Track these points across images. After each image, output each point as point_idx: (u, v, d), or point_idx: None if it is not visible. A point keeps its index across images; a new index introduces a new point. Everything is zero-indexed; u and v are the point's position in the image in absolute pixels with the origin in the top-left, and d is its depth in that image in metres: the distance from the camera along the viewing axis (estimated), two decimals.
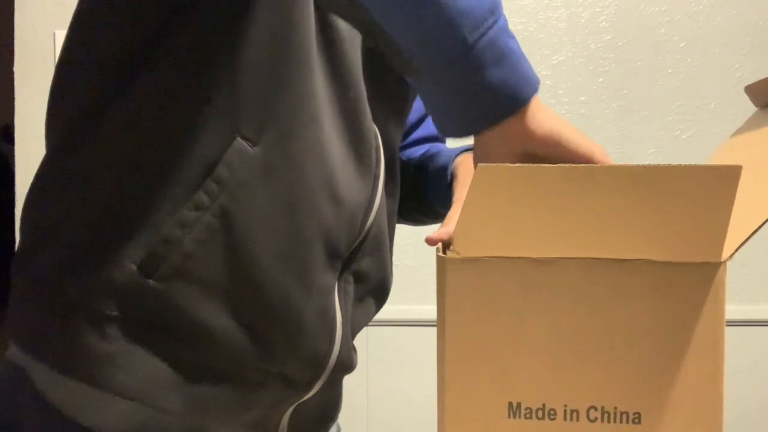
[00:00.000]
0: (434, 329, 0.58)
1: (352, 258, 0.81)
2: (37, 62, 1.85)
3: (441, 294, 0.57)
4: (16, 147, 1.88)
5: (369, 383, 1.74)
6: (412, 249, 1.55)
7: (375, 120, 0.82)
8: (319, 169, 0.75)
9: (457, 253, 0.56)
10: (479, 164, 0.52)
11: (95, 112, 0.74)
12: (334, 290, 0.79)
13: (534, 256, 0.55)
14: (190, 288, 0.73)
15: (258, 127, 0.73)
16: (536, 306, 0.56)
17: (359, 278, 0.83)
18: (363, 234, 0.81)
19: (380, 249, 0.85)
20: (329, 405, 0.89)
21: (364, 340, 1.63)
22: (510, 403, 0.57)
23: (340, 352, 0.80)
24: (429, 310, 1.66)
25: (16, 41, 1.86)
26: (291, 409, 0.82)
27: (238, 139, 0.72)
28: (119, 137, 0.73)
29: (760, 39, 1.78)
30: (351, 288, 0.82)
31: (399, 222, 0.99)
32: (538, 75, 1.77)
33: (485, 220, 0.55)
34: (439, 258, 0.57)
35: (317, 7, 0.75)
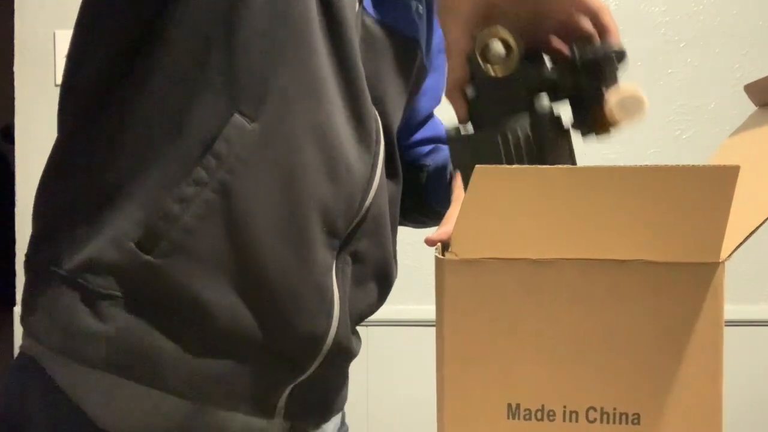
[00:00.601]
0: (434, 329, 0.58)
1: (351, 237, 0.81)
2: (37, 62, 1.85)
3: (439, 295, 0.57)
4: (16, 147, 1.88)
5: (369, 383, 1.74)
6: (412, 249, 1.55)
7: (376, 104, 0.83)
8: (317, 146, 0.76)
9: (456, 255, 0.56)
10: (476, 165, 0.52)
11: (101, 97, 0.76)
12: (332, 269, 0.79)
13: (532, 257, 0.55)
14: (189, 264, 0.73)
15: (256, 103, 0.73)
16: (535, 307, 0.56)
17: (357, 259, 0.83)
18: (362, 213, 0.81)
19: (380, 231, 0.85)
20: (330, 391, 0.88)
21: (364, 339, 1.63)
22: (509, 404, 0.57)
23: (337, 332, 0.80)
24: (429, 310, 1.65)
25: (16, 41, 1.86)
26: (288, 390, 0.82)
27: (236, 115, 0.73)
28: (121, 119, 0.75)
29: (760, 39, 1.78)
30: (349, 269, 0.82)
31: (401, 224, 0.99)
32: None
33: (483, 222, 0.55)
34: (437, 259, 0.57)
35: None
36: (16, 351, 1.70)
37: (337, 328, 0.80)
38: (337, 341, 0.80)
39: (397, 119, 0.88)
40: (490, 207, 0.54)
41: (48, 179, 0.80)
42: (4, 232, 2.14)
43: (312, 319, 0.78)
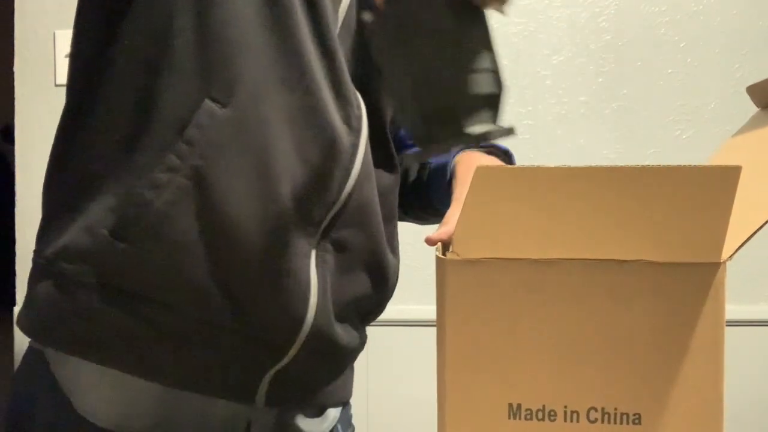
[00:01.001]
0: (434, 329, 0.58)
1: (331, 226, 0.81)
2: (37, 62, 1.84)
3: (441, 295, 0.57)
4: (16, 147, 1.88)
5: (369, 383, 1.74)
6: (412, 249, 1.55)
7: (364, 92, 0.82)
8: (292, 132, 0.76)
9: (457, 255, 0.56)
10: (478, 165, 0.52)
11: (84, 89, 0.78)
12: (309, 255, 0.79)
13: (534, 257, 0.55)
14: (163, 250, 0.74)
15: (227, 89, 0.74)
16: (536, 307, 0.56)
17: (340, 248, 0.83)
18: (342, 201, 0.81)
19: (367, 220, 0.84)
20: (314, 380, 0.87)
21: None
22: (510, 404, 0.57)
23: (316, 317, 0.80)
24: (429, 310, 1.65)
25: (16, 41, 1.86)
26: (269, 377, 0.82)
27: (207, 101, 0.73)
28: (98, 109, 0.77)
29: (760, 39, 1.78)
30: (331, 257, 0.82)
31: (403, 219, 0.98)
32: (538, 75, 1.77)
33: (485, 222, 0.55)
34: (438, 259, 0.57)
35: None
36: (17, 351, 1.69)
37: (316, 313, 0.80)
38: (316, 327, 0.80)
39: (387, 106, 0.88)
40: (491, 207, 0.54)
41: (47, 174, 0.82)
42: (4, 233, 2.14)
43: (288, 304, 0.78)
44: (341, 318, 0.84)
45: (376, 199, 0.86)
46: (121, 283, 0.75)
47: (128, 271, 0.75)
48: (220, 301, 0.76)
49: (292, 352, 0.81)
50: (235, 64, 0.74)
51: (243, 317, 0.78)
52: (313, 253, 0.80)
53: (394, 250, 0.92)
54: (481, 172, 0.52)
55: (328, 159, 0.78)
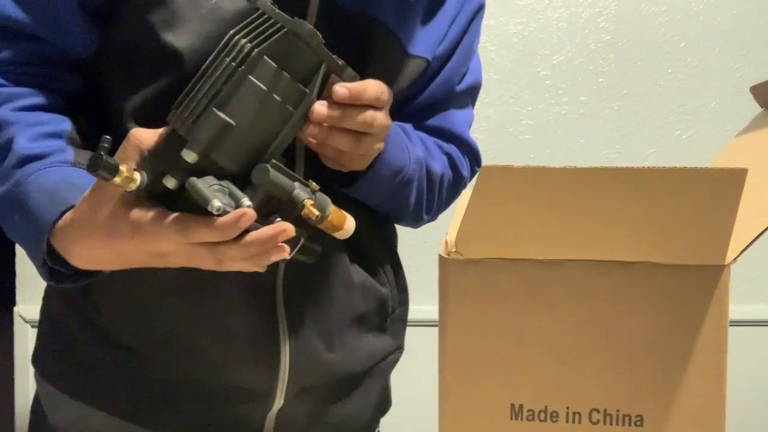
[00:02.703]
0: (435, 329, 0.57)
1: None
2: None
3: (444, 295, 0.57)
4: None
5: None
6: (411, 249, 1.55)
7: None
8: None
9: (461, 255, 0.56)
10: (483, 166, 0.52)
11: None
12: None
13: (537, 257, 0.55)
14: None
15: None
16: (539, 307, 0.56)
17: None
18: None
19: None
20: (323, 412, 0.86)
21: None
22: (512, 405, 0.57)
23: (291, 354, 0.79)
24: (429, 310, 1.65)
25: None
26: (273, 417, 0.82)
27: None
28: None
29: (760, 39, 1.78)
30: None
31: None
32: (538, 75, 1.77)
33: (489, 222, 0.54)
34: (441, 259, 0.57)
35: None
36: (16, 351, 1.69)
37: (289, 351, 0.80)
38: (297, 365, 0.80)
39: None
40: (495, 207, 0.54)
41: None
42: (4, 233, 2.12)
43: (256, 348, 0.79)
44: (328, 337, 0.82)
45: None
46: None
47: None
48: (191, 360, 0.78)
49: (279, 396, 0.80)
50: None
51: (216, 369, 0.79)
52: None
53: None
54: (485, 171, 0.52)
55: None
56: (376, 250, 0.86)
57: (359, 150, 0.68)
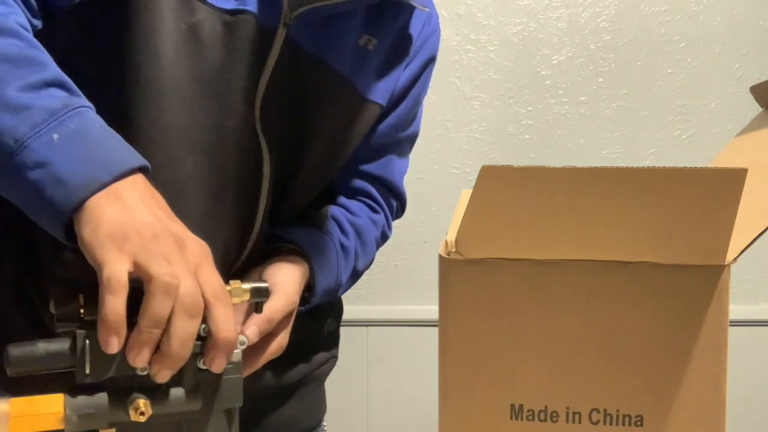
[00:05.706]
0: (435, 329, 0.57)
1: None
2: None
3: (444, 295, 0.57)
4: None
5: (369, 383, 1.74)
6: (411, 249, 1.55)
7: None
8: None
9: (461, 255, 0.56)
10: (483, 166, 0.52)
11: None
12: None
13: (537, 257, 0.55)
14: None
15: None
16: (539, 308, 0.56)
17: None
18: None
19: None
20: (259, 418, 0.87)
21: (364, 339, 1.63)
22: (512, 405, 0.57)
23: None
24: (429, 310, 1.66)
25: None
26: None
27: None
28: None
29: (760, 39, 1.78)
30: None
31: None
32: (538, 75, 1.77)
33: (489, 222, 0.54)
34: (442, 259, 0.57)
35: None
36: None
37: None
38: None
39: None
40: (495, 207, 0.54)
41: None
42: None
43: None
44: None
45: None
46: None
47: None
48: None
49: None
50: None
51: None
52: None
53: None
54: (485, 171, 0.52)
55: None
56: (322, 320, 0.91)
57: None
